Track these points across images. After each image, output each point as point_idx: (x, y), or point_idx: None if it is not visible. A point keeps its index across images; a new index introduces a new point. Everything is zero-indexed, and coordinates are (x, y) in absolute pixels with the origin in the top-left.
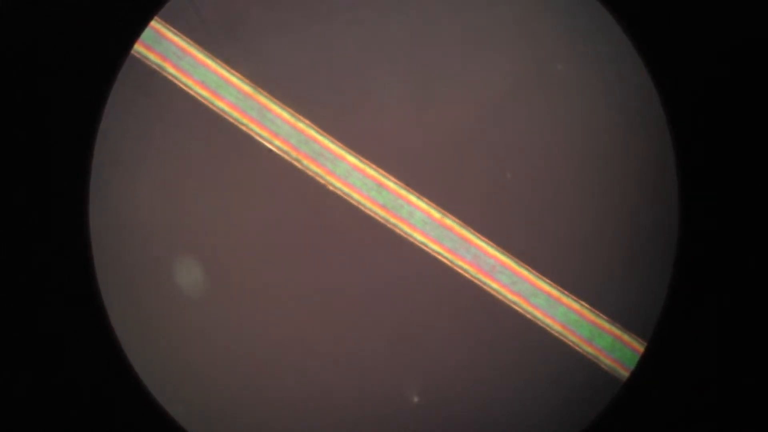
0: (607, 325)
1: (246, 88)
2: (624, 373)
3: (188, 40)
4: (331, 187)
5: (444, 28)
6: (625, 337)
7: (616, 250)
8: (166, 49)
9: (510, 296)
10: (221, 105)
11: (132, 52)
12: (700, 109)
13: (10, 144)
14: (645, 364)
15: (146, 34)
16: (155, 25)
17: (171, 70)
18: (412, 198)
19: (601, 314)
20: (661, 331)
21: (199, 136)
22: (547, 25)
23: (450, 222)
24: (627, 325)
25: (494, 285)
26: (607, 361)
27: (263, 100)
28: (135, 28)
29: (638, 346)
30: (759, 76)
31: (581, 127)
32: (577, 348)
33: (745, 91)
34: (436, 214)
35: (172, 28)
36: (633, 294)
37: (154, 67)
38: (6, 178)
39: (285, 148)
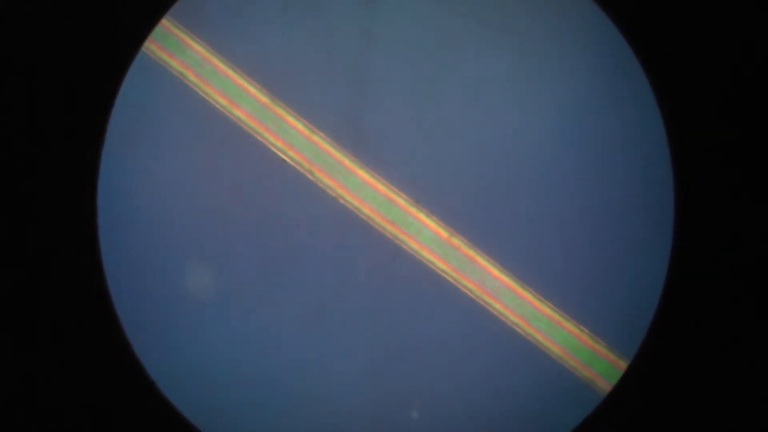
0: (605, 351)
1: (263, 98)
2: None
3: (209, 48)
4: (341, 200)
5: (466, 51)
6: (621, 363)
7: (621, 281)
8: (188, 57)
9: (512, 318)
10: (238, 114)
11: (147, 52)
12: (702, 124)
13: (22, 145)
14: (628, 381)
15: (169, 41)
16: (178, 32)
17: (192, 78)
18: (422, 215)
19: (599, 340)
20: (647, 355)
21: (214, 143)
22: (563, 39)
23: (458, 241)
24: (622, 350)
25: (497, 306)
26: (602, 385)
27: (280, 111)
28: (145, 28)
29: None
30: (757, 74)
31: (598, 158)
32: (575, 371)
33: (744, 93)
34: (444, 232)
35: (194, 36)
36: (630, 320)
37: (176, 74)
38: (14, 179)
39: (298, 159)
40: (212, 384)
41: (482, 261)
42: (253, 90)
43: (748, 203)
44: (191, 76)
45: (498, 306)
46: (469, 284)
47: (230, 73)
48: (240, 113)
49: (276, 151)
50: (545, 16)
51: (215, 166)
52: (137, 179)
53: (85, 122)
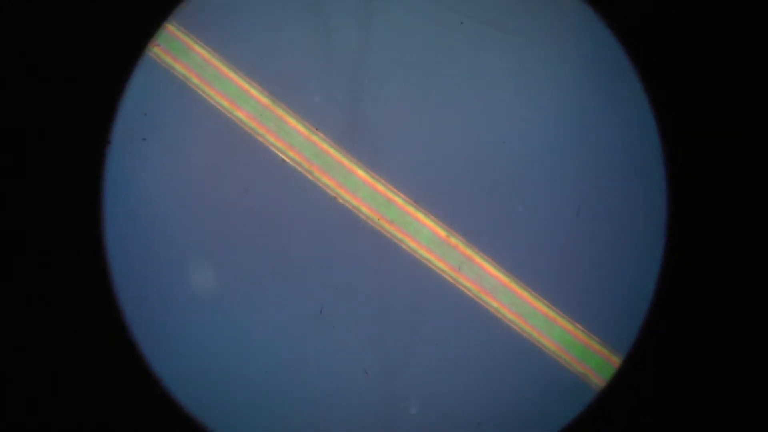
0: (599, 347)
1: (264, 99)
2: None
3: (212, 51)
4: (340, 200)
5: (464, 52)
6: (615, 359)
7: (615, 279)
8: (192, 60)
9: (509, 315)
10: (240, 115)
11: (151, 56)
12: (695, 124)
13: (27, 146)
14: (621, 377)
15: (173, 44)
16: (182, 36)
17: (195, 80)
18: (420, 215)
19: (594, 336)
20: (640, 351)
21: (216, 144)
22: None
23: (455, 240)
24: (616, 346)
25: (494, 303)
26: (596, 380)
27: (280, 112)
28: (149, 31)
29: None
30: (751, 75)
31: (593, 158)
32: (569, 367)
33: (739, 93)
34: (442, 231)
35: (196, 39)
36: (623, 317)
37: (179, 76)
38: (20, 180)
39: (298, 159)
40: (213, 382)
41: (480, 260)
42: (254, 92)
43: (739, 203)
44: (194, 79)
45: (495, 304)
46: (466, 282)
47: (232, 75)
48: (241, 114)
49: (276, 151)
50: (543, 18)
51: (217, 167)
52: (141, 180)
53: (91, 124)
